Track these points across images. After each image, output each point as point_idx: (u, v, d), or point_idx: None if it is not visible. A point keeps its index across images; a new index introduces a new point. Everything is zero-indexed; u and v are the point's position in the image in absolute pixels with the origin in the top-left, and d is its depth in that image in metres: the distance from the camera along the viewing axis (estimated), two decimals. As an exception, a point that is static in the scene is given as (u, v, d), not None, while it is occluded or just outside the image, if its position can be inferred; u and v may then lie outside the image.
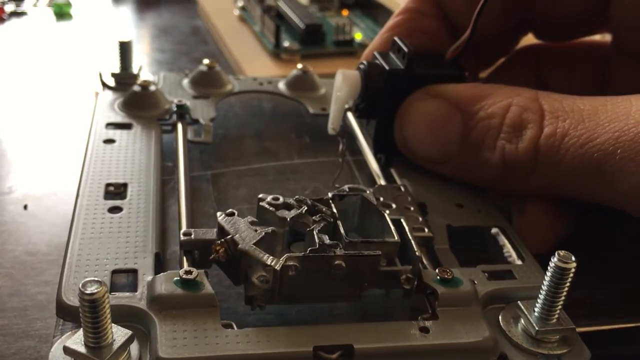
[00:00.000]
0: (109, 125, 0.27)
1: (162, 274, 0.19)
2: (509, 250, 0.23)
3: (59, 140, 0.30)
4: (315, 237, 0.20)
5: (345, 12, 0.45)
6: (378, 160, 0.27)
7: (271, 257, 0.19)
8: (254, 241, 0.20)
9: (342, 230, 0.21)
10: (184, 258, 0.20)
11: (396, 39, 0.26)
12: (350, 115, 0.29)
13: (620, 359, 0.23)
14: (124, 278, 0.20)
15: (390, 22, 0.27)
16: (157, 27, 0.46)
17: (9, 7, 0.46)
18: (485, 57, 0.29)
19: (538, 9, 0.26)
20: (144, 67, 0.31)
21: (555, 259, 0.18)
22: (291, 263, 0.19)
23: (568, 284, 0.19)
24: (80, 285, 0.16)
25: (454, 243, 0.23)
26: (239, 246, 0.19)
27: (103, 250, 0.20)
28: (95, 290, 0.16)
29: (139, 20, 0.48)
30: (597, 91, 0.28)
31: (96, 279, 0.16)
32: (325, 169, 0.29)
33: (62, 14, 0.46)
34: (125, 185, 0.23)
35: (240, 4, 0.45)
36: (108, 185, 0.23)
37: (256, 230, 0.20)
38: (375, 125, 0.27)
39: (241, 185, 0.27)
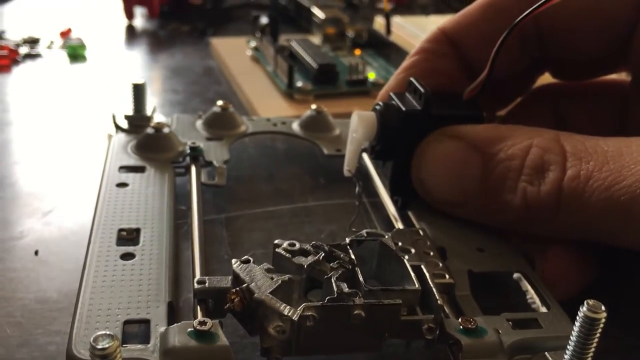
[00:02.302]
0: (122, 168, 0.27)
1: (175, 324, 0.18)
2: (532, 296, 0.23)
3: (71, 184, 0.30)
4: (334, 285, 0.19)
5: (357, 52, 0.45)
6: (395, 203, 0.27)
7: (288, 307, 0.18)
8: (270, 290, 0.19)
9: (361, 278, 0.20)
10: (198, 307, 0.20)
11: (412, 79, 0.26)
12: (365, 156, 0.29)
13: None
14: (137, 328, 0.20)
15: (405, 63, 0.27)
16: (170, 68, 0.46)
17: (24, 50, 0.46)
18: (501, 96, 0.29)
19: (554, 49, 0.26)
20: (157, 108, 0.31)
21: (585, 309, 0.18)
22: (309, 313, 0.18)
23: (598, 335, 0.18)
24: (92, 339, 0.15)
25: (475, 289, 0.22)
26: (255, 295, 0.19)
27: (115, 300, 0.20)
28: (107, 345, 0.15)
29: (152, 62, 0.48)
30: (617, 131, 0.27)
31: (108, 332, 0.15)
32: (340, 212, 0.28)
33: (76, 56, 0.46)
34: (138, 231, 0.23)
35: (253, 44, 0.46)
36: (121, 230, 0.23)
37: (272, 278, 0.19)
38: (392, 166, 0.26)
39: (255, 229, 0.27)
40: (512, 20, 0.24)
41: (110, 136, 0.29)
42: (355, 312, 0.18)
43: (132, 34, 0.54)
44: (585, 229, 0.21)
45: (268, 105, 0.38)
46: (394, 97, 0.26)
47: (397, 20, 0.50)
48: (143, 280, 0.21)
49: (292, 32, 0.51)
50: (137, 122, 0.30)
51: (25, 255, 0.25)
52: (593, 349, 0.18)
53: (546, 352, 0.19)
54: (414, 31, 0.47)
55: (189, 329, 0.18)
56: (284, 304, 0.19)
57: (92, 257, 0.21)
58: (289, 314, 0.18)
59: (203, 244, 0.23)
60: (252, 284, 0.19)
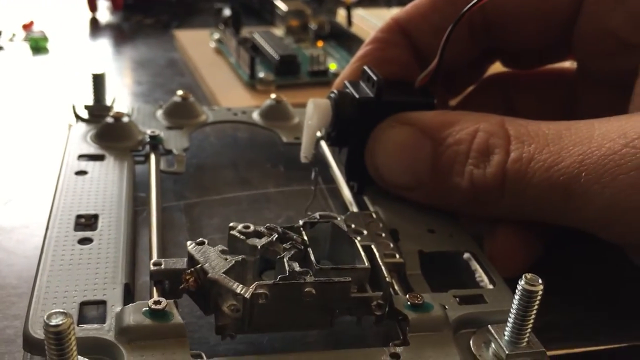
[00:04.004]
0: (81, 156, 0.27)
1: (130, 304, 0.19)
2: (480, 274, 0.24)
3: (31, 173, 0.30)
4: (286, 264, 0.20)
5: (320, 44, 0.46)
6: (351, 188, 0.27)
7: (241, 286, 0.19)
8: (224, 270, 0.20)
9: (312, 258, 0.21)
10: (154, 288, 0.20)
11: (365, 67, 0.26)
12: (323, 143, 0.30)
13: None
14: (94, 310, 0.20)
15: (359, 52, 0.28)
16: (134, 60, 0.46)
17: (-15, 42, 0.46)
18: (454, 85, 0.30)
19: (502, 39, 0.27)
20: (118, 99, 0.31)
21: (523, 282, 0.18)
22: (261, 291, 0.19)
23: (536, 307, 0.19)
24: (45, 317, 0.16)
25: (427, 269, 0.23)
26: (209, 275, 0.19)
27: (72, 282, 0.20)
28: (60, 322, 0.15)
29: (116, 54, 0.49)
30: (564, 117, 0.28)
31: (61, 310, 0.16)
32: (299, 197, 0.29)
33: (38, 48, 0.46)
34: (96, 217, 0.23)
35: (216, 36, 0.46)
36: (79, 216, 0.23)
37: (226, 259, 0.20)
38: (347, 153, 0.27)
39: (214, 214, 0.27)
40: (460, 11, 0.24)
41: (70, 126, 0.30)
42: (306, 289, 0.19)
43: (95, 26, 0.54)
44: (529, 209, 0.22)
45: (230, 96, 0.39)
46: (348, 85, 0.26)
47: (359, 12, 0.51)
48: (100, 264, 0.21)
49: (255, 25, 0.51)
50: (97, 111, 0.30)
51: (-14, 244, 0.25)
52: (532, 321, 0.19)
53: (489, 325, 0.20)
54: (375, 23, 0.48)
55: (144, 309, 0.18)
56: (237, 283, 0.19)
57: (49, 242, 0.22)
58: (242, 292, 0.19)
59: (161, 229, 0.24)
60: (206, 264, 0.20)
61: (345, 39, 0.46)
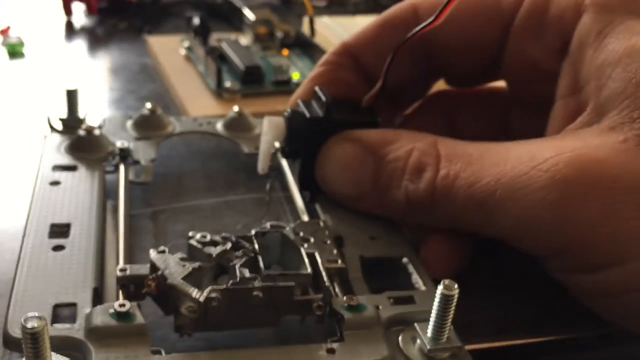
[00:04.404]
0: (55, 167, 0.29)
1: (98, 306, 0.21)
2: (416, 278, 0.26)
3: (8, 181, 0.32)
4: (237, 271, 0.23)
5: (285, 52, 0.49)
6: (303, 197, 0.30)
7: (196, 290, 0.22)
8: (182, 276, 0.22)
9: (261, 265, 0.23)
10: (120, 292, 0.23)
11: (316, 88, 0.29)
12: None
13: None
14: (67, 310, 0.22)
15: (312, 73, 0.30)
16: (107, 65, 0.48)
17: (-38, 47, 0.48)
18: (399, 102, 0.32)
19: (440, 63, 0.30)
20: (92, 106, 0.33)
21: (441, 287, 0.21)
22: (214, 295, 0.21)
23: (453, 308, 0.22)
24: (22, 320, 0.18)
25: (371, 272, 0.26)
26: (168, 280, 0.22)
27: (46, 286, 0.23)
28: (36, 325, 0.18)
29: (90, 59, 0.51)
30: (500, 134, 0.31)
31: (37, 314, 0.18)
32: (257, 205, 0.31)
33: (14, 53, 0.48)
34: (68, 225, 0.26)
35: (187, 44, 0.48)
36: (53, 225, 0.26)
37: (184, 266, 0.23)
38: (299, 166, 0.30)
39: (179, 221, 0.30)
40: (403, 36, 0.27)
41: (45, 137, 0.32)
42: (254, 293, 0.22)
43: (70, 30, 0.56)
44: (455, 220, 0.25)
45: (198, 104, 0.41)
46: (300, 104, 0.29)
47: (324, 20, 0.53)
48: (72, 269, 0.23)
49: (225, 30, 0.53)
50: (71, 124, 0.32)
51: (-34, 248, 0.27)
52: (450, 320, 0.22)
53: (415, 323, 0.23)
54: (339, 32, 0.50)
55: (110, 310, 0.21)
56: (193, 288, 0.22)
57: (26, 249, 0.24)
58: (197, 296, 0.21)
59: (128, 236, 0.26)
60: (167, 270, 0.22)
61: (308, 48, 0.48)
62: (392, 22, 0.29)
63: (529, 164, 0.23)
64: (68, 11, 0.57)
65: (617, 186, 0.21)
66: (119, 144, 0.31)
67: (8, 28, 0.52)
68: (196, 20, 0.47)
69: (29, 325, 0.18)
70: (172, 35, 0.52)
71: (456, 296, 0.21)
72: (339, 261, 0.25)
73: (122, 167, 0.30)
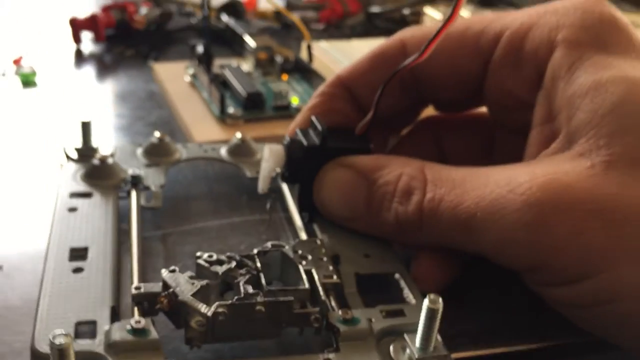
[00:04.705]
0: (72, 194, 0.32)
1: (116, 323, 0.23)
2: (407, 292, 0.29)
3: (25, 205, 0.35)
4: (241, 287, 0.25)
5: (285, 77, 0.51)
6: (302, 218, 0.32)
7: (205, 306, 0.24)
8: (191, 293, 0.25)
9: (263, 281, 0.26)
10: (135, 308, 0.25)
11: (313, 118, 0.31)
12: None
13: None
14: (87, 327, 0.25)
15: (309, 103, 0.33)
16: (116, 92, 0.51)
17: (-22, 78, 0.51)
18: (392, 127, 0.35)
19: (427, 92, 0.32)
20: (102, 133, 0.36)
21: (427, 301, 0.23)
22: (221, 310, 0.24)
23: (438, 320, 0.24)
24: (51, 337, 0.20)
25: (366, 287, 0.28)
26: (179, 297, 0.24)
27: (68, 305, 0.25)
28: (63, 341, 0.20)
29: (99, 84, 0.53)
30: (484, 157, 0.34)
31: (63, 332, 0.21)
32: (259, 225, 0.34)
33: (27, 82, 0.51)
34: (86, 249, 0.28)
35: (191, 71, 0.51)
36: (72, 249, 0.28)
37: (193, 284, 0.25)
38: (298, 189, 0.32)
39: (187, 242, 0.32)
40: (393, 69, 0.30)
41: (61, 165, 0.34)
42: (257, 308, 0.24)
43: (80, 57, 0.58)
44: (442, 239, 0.28)
45: (203, 129, 0.43)
46: (298, 133, 0.32)
47: (322, 44, 0.56)
48: (91, 290, 0.26)
49: (228, 55, 0.56)
50: (85, 153, 0.34)
51: (-8, 271, 0.30)
52: (436, 330, 0.24)
53: (405, 334, 0.25)
54: (336, 56, 0.53)
55: (127, 327, 0.23)
56: (202, 304, 0.24)
57: (48, 272, 0.26)
58: (205, 311, 0.24)
59: (141, 257, 0.28)
60: (177, 288, 0.25)
61: (307, 74, 0.51)
62: (382, 57, 0.32)
63: (506, 188, 0.25)
64: (77, 39, 0.60)
65: (584, 208, 0.23)
66: (130, 171, 0.33)
67: (20, 58, 0.54)
68: (200, 49, 0.50)
69: (57, 341, 0.20)
70: (177, 62, 0.54)
71: (440, 309, 0.24)
72: (334, 277, 0.28)
73: (133, 193, 0.32)
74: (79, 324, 0.24)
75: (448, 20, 0.28)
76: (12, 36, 0.61)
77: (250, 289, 0.25)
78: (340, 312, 0.25)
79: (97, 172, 0.33)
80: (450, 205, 0.26)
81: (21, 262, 0.30)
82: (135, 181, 0.33)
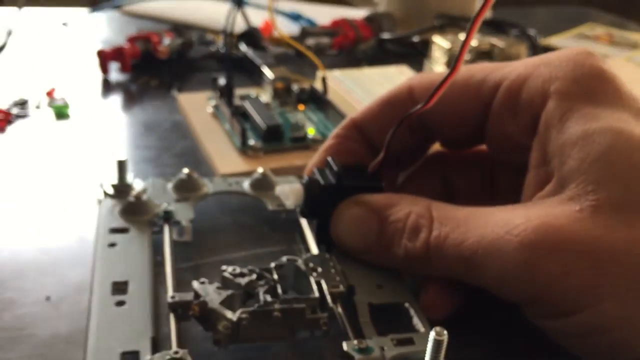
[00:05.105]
0: (111, 230, 0.35)
1: (157, 354, 0.27)
2: (416, 320, 0.31)
3: (69, 239, 0.38)
4: (261, 296, 0.29)
5: (301, 107, 0.54)
6: (320, 250, 0.35)
7: (230, 312, 0.28)
8: (219, 301, 0.29)
9: (279, 291, 0.30)
10: (172, 317, 0.29)
11: (329, 159, 0.35)
12: (298, 213, 0.38)
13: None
14: (131, 357, 0.28)
15: (325, 145, 0.36)
16: (143, 123, 0.54)
17: (15, 110, 0.54)
18: (401, 164, 0.38)
19: (433, 132, 0.35)
20: (131, 164, 0.39)
21: (433, 333, 0.26)
22: (244, 316, 0.28)
23: (444, 350, 0.27)
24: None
25: (379, 316, 0.31)
26: (208, 305, 0.28)
27: (113, 337, 0.28)
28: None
29: (127, 117, 0.56)
30: (489, 192, 0.36)
31: (116, 364, 0.24)
32: (281, 256, 0.37)
33: (61, 114, 0.54)
34: (126, 283, 0.31)
35: (213, 102, 0.54)
36: (114, 283, 0.31)
37: (220, 293, 0.29)
38: (316, 224, 0.35)
39: (215, 274, 0.35)
40: (402, 113, 0.33)
41: (99, 201, 0.37)
42: (275, 314, 0.28)
43: (107, 87, 0.62)
44: (446, 272, 0.30)
45: (226, 162, 0.46)
46: (316, 172, 0.35)
47: (335, 74, 0.59)
48: (133, 321, 0.29)
49: (246, 83, 0.59)
50: (121, 189, 0.38)
51: (40, 301, 0.33)
52: (444, 352, 0.27)
53: (413, 362, 0.28)
54: (349, 86, 0.56)
55: (167, 357, 0.26)
56: (228, 310, 0.28)
57: (94, 305, 0.30)
58: (231, 317, 0.28)
59: (174, 288, 0.32)
60: (207, 297, 0.29)
61: (321, 103, 0.54)
62: (392, 102, 0.35)
63: (504, 229, 0.28)
64: (105, 69, 0.63)
65: (573, 249, 0.26)
66: (163, 206, 0.37)
67: (53, 90, 0.58)
68: (221, 81, 0.53)
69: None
70: (199, 92, 0.58)
71: (446, 341, 0.26)
72: (341, 286, 0.31)
73: (166, 228, 0.36)
74: (123, 354, 0.27)
75: (452, 71, 0.31)
76: (42, 68, 0.65)
77: (268, 298, 0.29)
78: (355, 342, 0.28)
79: (133, 209, 0.36)
80: (454, 242, 0.29)
81: (66, 293, 0.34)
82: (168, 216, 0.36)
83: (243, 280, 0.30)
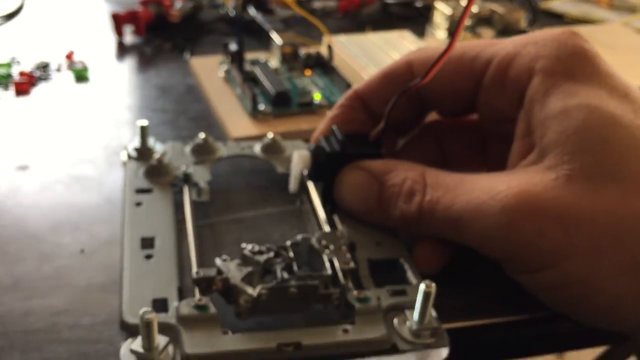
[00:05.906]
0: (137, 190, 0.39)
1: (183, 300, 0.31)
2: (410, 274, 0.35)
3: (93, 195, 0.42)
4: (279, 273, 0.32)
5: (308, 72, 0.57)
6: (325, 210, 0.39)
7: (251, 287, 0.31)
8: (240, 277, 0.32)
9: (295, 268, 0.33)
10: (196, 288, 0.32)
11: (334, 127, 0.38)
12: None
13: (485, 346, 0.36)
14: (160, 303, 0.32)
15: (330, 114, 0.39)
16: (158, 87, 0.57)
17: (37, 73, 0.57)
18: (399, 132, 0.41)
19: (430, 103, 0.39)
20: (152, 128, 0.42)
21: (422, 285, 0.30)
22: (263, 291, 0.31)
23: (432, 300, 0.30)
24: (141, 312, 0.27)
25: (376, 270, 0.35)
26: (231, 281, 0.31)
27: (145, 286, 0.32)
28: (150, 316, 0.27)
29: (143, 78, 0.59)
30: (479, 159, 0.40)
31: (149, 309, 0.28)
32: (289, 215, 0.40)
33: (81, 77, 0.57)
34: (153, 238, 0.35)
35: (225, 67, 0.57)
36: (142, 238, 0.35)
37: (241, 270, 0.32)
38: (322, 187, 0.39)
39: (230, 230, 0.39)
40: (401, 86, 0.36)
41: (124, 163, 0.41)
42: (291, 289, 0.31)
43: (122, 50, 0.64)
44: (437, 232, 0.34)
45: (237, 124, 0.50)
46: (322, 140, 0.38)
47: (340, 39, 0.61)
48: (160, 273, 0.33)
49: (255, 46, 0.62)
50: (143, 152, 0.41)
51: (75, 254, 0.37)
52: (430, 307, 0.31)
53: (406, 310, 0.32)
54: (354, 51, 0.59)
55: (192, 303, 0.30)
56: (248, 286, 0.31)
57: (126, 258, 0.33)
58: (251, 293, 0.31)
59: (196, 244, 0.35)
60: (229, 273, 0.32)
61: (327, 68, 0.56)
62: (392, 75, 0.38)
63: (488, 194, 0.31)
64: (120, 32, 0.66)
65: (547, 213, 0.30)
66: (182, 169, 0.40)
67: (72, 53, 0.61)
68: (232, 47, 0.56)
69: (146, 316, 0.27)
70: (211, 56, 0.61)
71: (433, 292, 0.30)
72: (351, 263, 0.34)
73: (186, 189, 0.39)
74: (154, 301, 0.31)
75: (447, 48, 0.34)
76: (58, 30, 0.67)
77: (285, 274, 0.32)
78: (355, 292, 0.32)
79: (155, 171, 0.40)
80: (444, 206, 0.33)
81: (98, 247, 0.38)
82: (187, 178, 0.40)
83: (262, 258, 0.32)
